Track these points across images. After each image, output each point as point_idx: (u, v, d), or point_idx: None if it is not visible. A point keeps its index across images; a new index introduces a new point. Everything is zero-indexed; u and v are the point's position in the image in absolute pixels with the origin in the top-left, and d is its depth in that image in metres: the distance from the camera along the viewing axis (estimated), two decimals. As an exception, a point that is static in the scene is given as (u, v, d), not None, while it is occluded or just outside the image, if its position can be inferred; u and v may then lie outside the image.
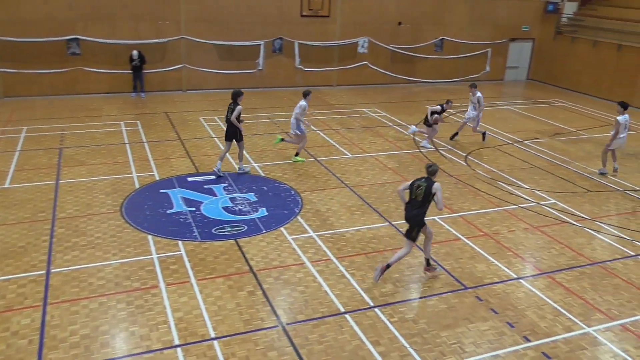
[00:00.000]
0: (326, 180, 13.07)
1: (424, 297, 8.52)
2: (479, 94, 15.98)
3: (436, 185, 8.49)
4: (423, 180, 8.60)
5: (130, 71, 20.33)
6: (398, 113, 19.70)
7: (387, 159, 14.73)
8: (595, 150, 16.27)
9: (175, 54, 21.20)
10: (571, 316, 8.14)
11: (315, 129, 17.17)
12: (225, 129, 13.15)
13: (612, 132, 14.19)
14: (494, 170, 14.18)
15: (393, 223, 10.91)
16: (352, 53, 23.62)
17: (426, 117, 15.51)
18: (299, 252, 9.62)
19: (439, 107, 15.41)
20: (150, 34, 20.65)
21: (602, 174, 14.23)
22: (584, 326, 7.92)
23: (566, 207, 12.11)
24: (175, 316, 7.71)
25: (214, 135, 16.18)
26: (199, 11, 21.03)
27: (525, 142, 16.85)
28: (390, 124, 18.29)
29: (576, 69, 24.82)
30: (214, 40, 21.43)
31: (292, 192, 12.28)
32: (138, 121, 17.37)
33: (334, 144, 15.85)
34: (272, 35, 22.23)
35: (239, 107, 12.67)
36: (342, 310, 8.03)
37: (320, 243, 9.99)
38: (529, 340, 7.54)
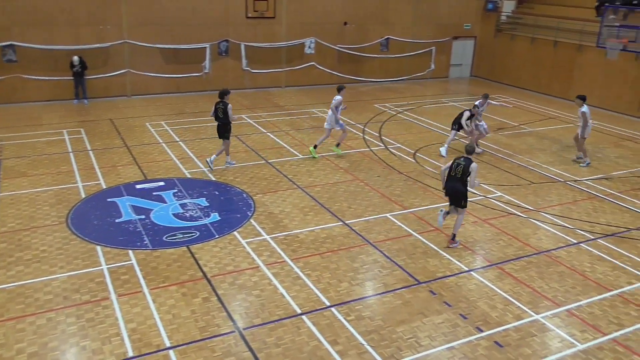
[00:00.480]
0: (278, 182, 13.04)
1: (379, 294, 8.62)
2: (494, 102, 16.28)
3: (473, 165, 9.64)
4: (462, 159, 9.78)
5: (71, 77, 19.70)
6: (347, 112, 19.81)
7: (338, 158, 14.81)
8: (536, 144, 16.86)
9: (118, 59, 20.68)
10: (520, 305, 8.41)
11: (265, 131, 17.11)
12: (217, 127, 13.64)
13: (580, 124, 14.82)
14: (441, 165, 14.47)
15: (346, 222, 10.99)
16: (299, 54, 23.65)
17: (456, 122, 15.23)
18: (254, 256, 9.56)
19: (468, 113, 15.15)
20: (91, 38, 20.06)
21: (588, 165, 14.94)
22: (533, 314, 8.20)
23: (512, 199, 12.50)
24: (129, 327, 7.53)
25: (161, 141, 15.87)
26: (142, 15, 20.59)
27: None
28: (340, 123, 18.40)
29: (516, 65, 25.66)
30: (158, 44, 21.03)
31: (244, 195, 12.19)
32: (82, 129, 16.85)
33: (285, 145, 15.83)
34: (217, 38, 22.00)
35: (230, 105, 13.41)
36: (299, 311, 8.04)
37: (274, 245, 9.96)
38: (481, 331, 7.74)
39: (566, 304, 8.48)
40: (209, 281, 8.74)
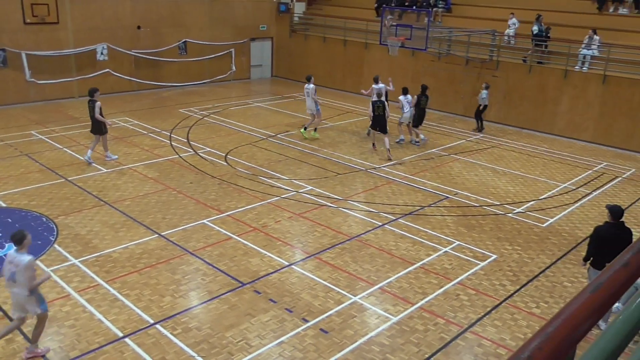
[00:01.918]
0: (82, 200, 12.09)
1: (204, 302, 8.50)
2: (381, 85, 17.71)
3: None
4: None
5: None
6: (151, 119, 19.11)
7: (146, 168, 14.22)
8: (337, 137, 18.00)
9: None
10: (339, 290, 8.95)
11: (60, 147, 15.71)
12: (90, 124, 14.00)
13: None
14: (253, 166, 14.72)
15: (162, 234, 10.61)
16: (91, 61, 22.09)
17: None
18: (62, 284, 8.76)
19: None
20: None
21: (401, 142, 17.49)
22: (351, 296, 8.77)
23: (321, 191, 13.20)
24: None
25: None
26: None
27: (278, 135, 17.82)
28: (144, 132, 17.67)
29: (312, 63, 27.01)
30: None
31: (44, 219, 11.09)
32: None
33: (85, 160, 14.70)
34: (-9, 47, 19.59)
35: (98, 103, 13.62)
36: (121, 335, 7.58)
37: (85, 269, 9.23)
38: (307, 321, 8.07)
39: (379, 282, 9.22)
40: (10, 320, 7.79)
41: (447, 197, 13.21)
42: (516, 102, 20.11)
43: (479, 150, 17.26)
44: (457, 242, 10.82)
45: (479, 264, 10.02)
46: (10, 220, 11.00)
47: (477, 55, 20.77)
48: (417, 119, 17.23)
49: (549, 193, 13.74)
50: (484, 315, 8.43)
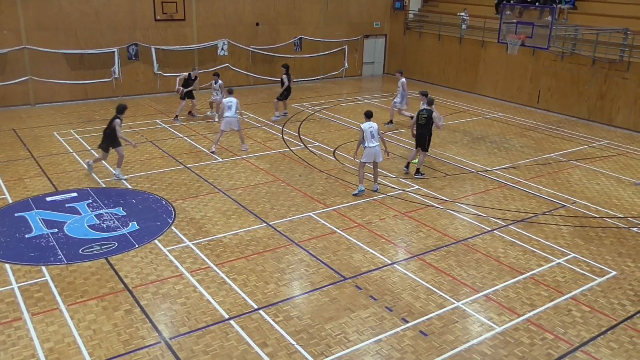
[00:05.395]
0: (198, 187, 12.79)
1: (306, 292, 8.67)
2: (403, 79, 17.86)
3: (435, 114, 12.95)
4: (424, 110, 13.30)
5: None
6: (264, 114, 19.79)
7: (258, 160, 14.75)
8: (448, 137, 17.56)
9: (18, 66, 19.44)
10: (442, 293, 8.74)
11: (181, 135, 16.72)
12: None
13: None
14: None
15: (270, 223, 10.95)
16: (212, 56, 23.28)
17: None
18: (176, 264, 9.33)
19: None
20: (-15, 44, 18.79)
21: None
22: (454, 301, 8.54)
23: (429, 191, 12.95)
24: (45, 347, 7.12)
25: (71, 150, 15.12)
26: (40, 19, 19.47)
27: (387, 133, 17.71)
28: (258, 125, 18.33)
29: (425, 61, 26.59)
30: (61, 49, 19.99)
31: (164, 202, 11.86)
32: (-19, 141, 15.76)
33: (203, 149, 15.54)
34: (126, 42, 21.22)
35: (118, 121, 12.68)
36: (226, 316, 7.93)
37: (197, 252, 9.77)
38: (406, 321, 7.97)
39: (484, 290, 8.89)
40: (130, 292, 8.44)
41: (564, 205, 12.44)
42: (649, 107, 18.49)
43: (602, 157, 16.09)
44: (573, 255, 10.17)
45: (595, 279, 9.35)
46: (134, 201, 11.89)
47: (605, 55, 19.33)
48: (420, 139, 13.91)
49: (682, 208, 12.50)
50: (598, 335, 7.85)
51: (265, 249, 9.97)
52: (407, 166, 14.18)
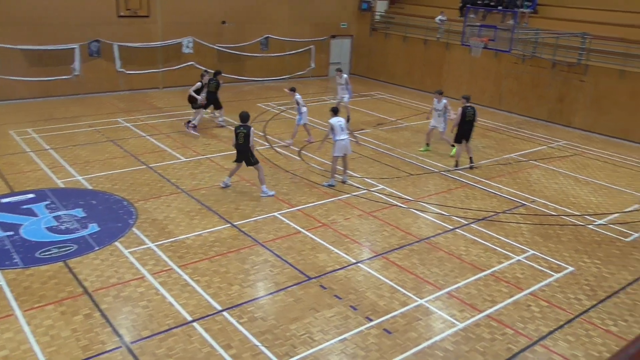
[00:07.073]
0: (161, 187, 12.60)
1: (271, 293, 8.63)
2: (444, 100, 15.89)
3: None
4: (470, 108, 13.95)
5: None
6: (231, 113, 19.60)
7: (223, 159, 14.61)
8: (412, 137, 17.75)
9: (-28, 62, 18.84)
10: (405, 291, 8.82)
11: (144, 134, 16.45)
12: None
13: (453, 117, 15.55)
14: (326, 162, 14.77)
15: (234, 224, 10.87)
16: (176, 54, 22.97)
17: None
18: (138, 266, 9.17)
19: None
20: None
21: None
22: (417, 299, 8.63)
23: (393, 191, 13.06)
24: (0, 355, 6.91)
25: (28, 150, 14.70)
26: (5, 12, 18.86)
27: (353, 133, 17.73)
28: (223, 124, 18.17)
29: (391, 62, 26.81)
30: (20, 45, 19.42)
31: (125, 203, 11.65)
32: None
33: (166, 148, 15.32)
34: (87, 38, 20.75)
35: (252, 129, 12.27)
36: (190, 319, 7.84)
37: (160, 253, 9.62)
38: (371, 320, 8.02)
39: (446, 287, 9.02)
40: (90, 296, 8.26)
41: (524, 204, 12.72)
42: (605, 109, 19.05)
43: (560, 157, 16.51)
44: (532, 252, 10.40)
45: (553, 275, 9.59)
46: (94, 202, 11.64)
47: (564, 58, 19.83)
48: (465, 133, 14.71)
49: (636, 206, 12.93)
50: (556, 329, 8.05)
51: (229, 249, 9.89)
52: (471, 161, 15.02)
